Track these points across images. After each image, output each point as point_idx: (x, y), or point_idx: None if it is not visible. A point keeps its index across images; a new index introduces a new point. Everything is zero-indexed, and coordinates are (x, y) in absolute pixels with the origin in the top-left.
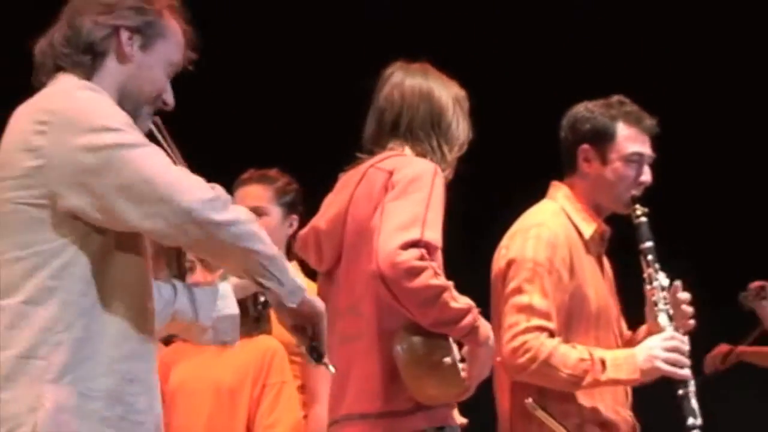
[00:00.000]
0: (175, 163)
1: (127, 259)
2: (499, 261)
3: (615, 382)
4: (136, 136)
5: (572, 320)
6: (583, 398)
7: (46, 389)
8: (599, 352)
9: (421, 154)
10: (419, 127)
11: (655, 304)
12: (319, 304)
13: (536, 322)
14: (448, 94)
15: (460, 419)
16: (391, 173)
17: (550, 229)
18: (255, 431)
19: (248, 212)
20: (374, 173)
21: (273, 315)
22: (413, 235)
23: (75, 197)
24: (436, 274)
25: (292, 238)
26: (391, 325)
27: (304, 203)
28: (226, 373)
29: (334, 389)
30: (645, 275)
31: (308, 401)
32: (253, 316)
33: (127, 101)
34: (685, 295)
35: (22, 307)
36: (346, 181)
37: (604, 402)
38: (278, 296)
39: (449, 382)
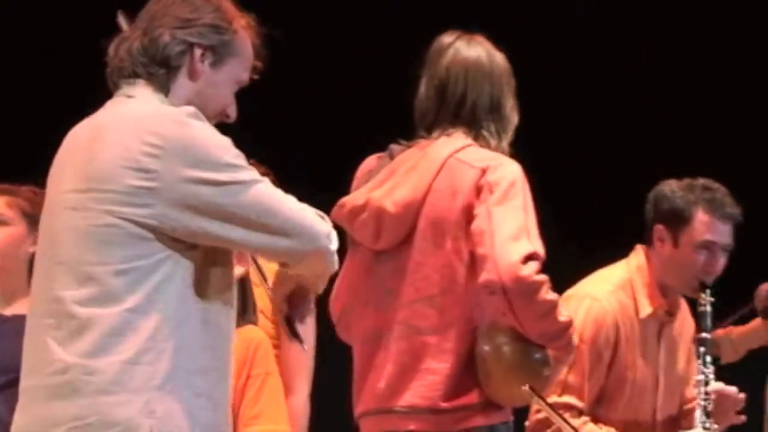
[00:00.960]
0: None
1: (215, 273)
2: None
3: None
4: (251, 171)
5: (605, 397)
6: None
7: (155, 395)
8: None
9: (480, 140)
10: (481, 111)
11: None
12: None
13: (566, 399)
14: (503, 72)
15: None
16: (483, 171)
17: (602, 307)
18: (239, 423)
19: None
20: (458, 166)
21: (259, 307)
22: (529, 246)
23: (186, 221)
24: (549, 288)
25: None
26: (474, 324)
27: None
28: None
29: (388, 379)
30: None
31: (284, 392)
32: (240, 305)
33: None
34: (729, 390)
35: (126, 315)
36: (414, 165)
37: None
38: (318, 288)
39: (538, 390)
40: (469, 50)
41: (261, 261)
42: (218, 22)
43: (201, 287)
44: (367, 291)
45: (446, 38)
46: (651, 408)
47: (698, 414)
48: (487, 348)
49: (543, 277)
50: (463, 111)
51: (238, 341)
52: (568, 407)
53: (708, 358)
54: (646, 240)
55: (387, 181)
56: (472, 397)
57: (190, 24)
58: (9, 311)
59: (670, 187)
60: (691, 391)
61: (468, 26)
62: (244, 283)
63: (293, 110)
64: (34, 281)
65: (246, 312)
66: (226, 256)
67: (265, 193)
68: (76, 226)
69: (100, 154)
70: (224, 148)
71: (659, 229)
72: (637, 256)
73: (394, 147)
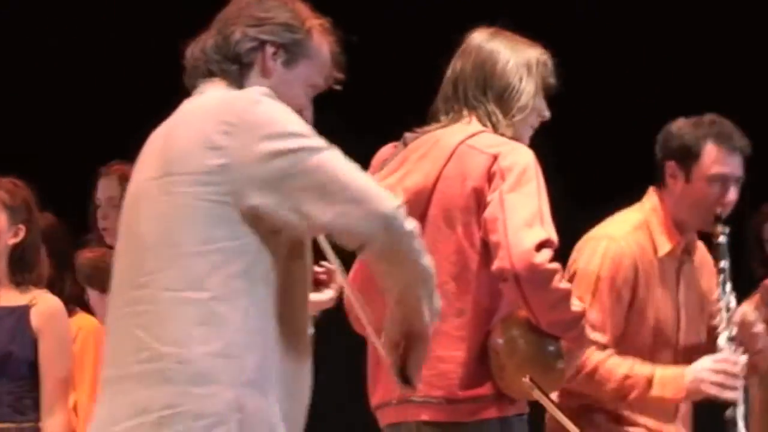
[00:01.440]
0: None
1: (295, 265)
2: (569, 267)
3: (660, 400)
4: (320, 140)
5: (627, 337)
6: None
7: (244, 391)
8: (647, 369)
9: (481, 120)
10: (472, 92)
11: (718, 324)
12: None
13: (590, 336)
14: (511, 56)
15: None
16: (495, 158)
17: (620, 246)
18: None
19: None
20: (469, 152)
21: None
22: (542, 234)
23: (261, 197)
24: (562, 277)
25: None
26: (487, 313)
27: None
28: None
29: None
30: (716, 295)
31: None
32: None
33: None
34: (752, 316)
35: (213, 305)
36: (426, 152)
37: (647, 413)
38: (422, 316)
39: (553, 384)
40: (488, 43)
41: None
42: (291, 22)
43: (283, 280)
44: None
45: (473, 32)
46: (673, 346)
47: (722, 339)
48: (500, 341)
49: (556, 265)
50: (457, 95)
51: None
52: (592, 343)
53: (728, 287)
54: (658, 180)
55: (399, 169)
56: (487, 388)
57: (263, 22)
58: None
59: (678, 124)
60: (713, 323)
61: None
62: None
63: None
64: (117, 271)
65: None
66: (305, 248)
67: (335, 161)
68: (158, 211)
69: (177, 140)
70: (293, 120)
71: (671, 166)
72: (650, 198)
73: (407, 135)
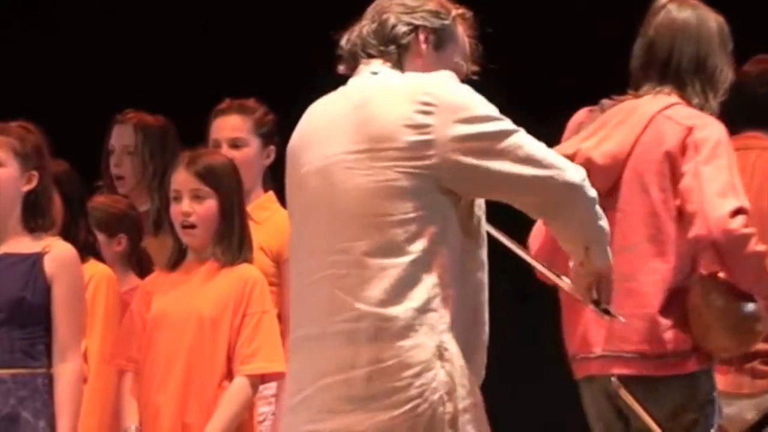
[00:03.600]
0: None
1: (474, 230)
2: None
3: None
4: (511, 123)
5: None
6: None
7: (445, 337)
8: None
9: (685, 99)
10: (685, 71)
11: None
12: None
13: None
14: (713, 34)
15: None
16: (690, 130)
17: None
18: (235, 361)
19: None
20: (665, 122)
21: (255, 242)
22: (736, 202)
23: (458, 172)
24: (757, 240)
25: (269, 169)
26: (681, 274)
27: (280, 133)
28: (207, 304)
29: (592, 325)
30: None
31: (284, 331)
32: (237, 243)
33: None
34: None
35: (412, 268)
36: (623, 119)
37: None
38: (605, 262)
39: (748, 343)
40: (679, 12)
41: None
42: (439, 9)
43: (465, 244)
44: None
45: (659, 1)
46: None
47: None
48: (699, 301)
49: (751, 229)
50: (668, 70)
51: (234, 280)
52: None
53: None
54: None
55: (597, 134)
56: (676, 344)
57: (414, 10)
58: (1, 249)
59: None
60: None
61: None
62: (242, 220)
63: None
64: (309, 237)
65: (242, 250)
66: (481, 218)
67: (526, 139)
68: (359, 183)
69: (375, 118)
70: (485, 103)
71: None
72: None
73: (605, 102)
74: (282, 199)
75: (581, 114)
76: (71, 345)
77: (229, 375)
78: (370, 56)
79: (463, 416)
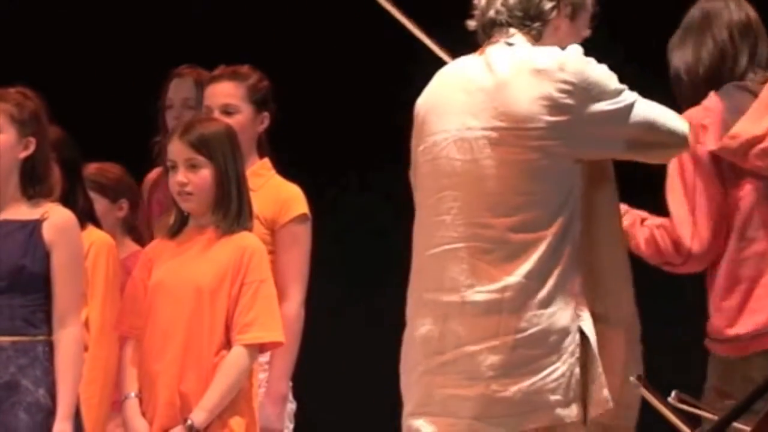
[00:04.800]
0: None
1: (602, 197)
2: None
3: None
4: (632, 92)
5: None
6: None
7: (577, 300)
8: None
9: None
10: None
11: None
12: None
13: None
14: None
15: None
16: None
17: None
18: (232, 330)
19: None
20: None
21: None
22: None
23: (593, 143)
24: None
25: (264, 134)
26: None
27: (276, 100)
28: (206, 273)
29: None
30: None
31: (278, 298)
32: (235, 211)
33: None
34: None
35: (552, 243)
36: None
37: None
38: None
39: None
40: None
41: None
42: None
43: (589, 223)
44: (762, 218)
45: None
46: None
47: None
48: None
49: None
50: None
51: (233, 248)
52: None
53: None
54: None
55: None
56: None
57: None
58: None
59: None
60: None
61: None
62: (240, 187)
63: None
64: (448, 205)
65: (241, 218)
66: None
67: (648, 105)
68: (503, 159)
69: (517, 97)
70: (612, 76)
71: None
72: None
73: (747, 83)
74: (277, 165)
75: (716, 101)
76: (71, 311)
77: (228, 344)
78: (511, 26)
79: (594, 376)
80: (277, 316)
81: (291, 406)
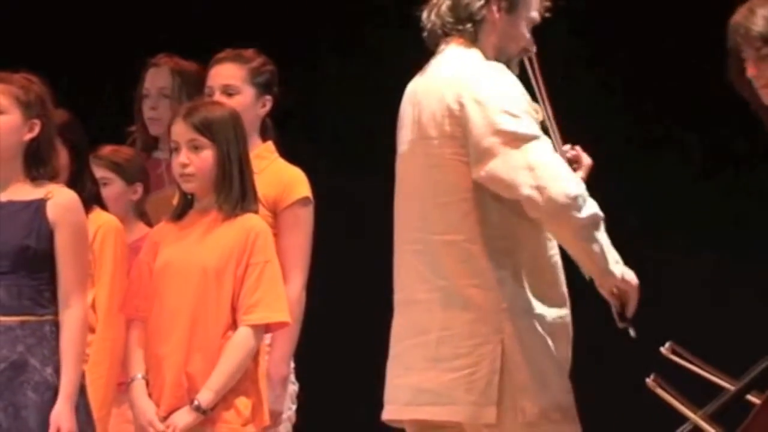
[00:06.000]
0: (544, 102)
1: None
2: None
3: None
4: (530, 125)
5: None
6: None
7: (502, 316)
8: None
9: None
10: None
11: None
12: (632, 278)
13: None
14: None
15: None
16: None
17: None
18: (238, 311)
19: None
20: None
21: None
22: None
23: (483, 164)
24: None
25: (268, 117)
26: None
27: (281, 84)
28: (212, 254)
29: None
30: None
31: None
32: (238, 193)
33: (501, 57)
34: None
35: (467, 245)
36: None
37: None
38: (598, 278)
39: None
40: None
41: None
42: None
43: (515, 226)
44: None
45: None
46: None
47: None
48: None
49: None
50: None
51: (238, 230)
52: None
53: None
54: None
55: None
56: None
57: None
58: (3, 197)
59: None
60: None
61: None
62: (243, 170)
63: None
64: (399, 215)
65: (245, 201)
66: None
67: (539, 149)
68: (421, 167)
69: (425, 108)
70: (514, 101)
71: None
72: None
73: None
74: (281, 147)
75: None
76: (75, 291)
77: (234, 325)
78: (447, 34)
79: (513, 387)
80: (282, 297)
81: (293, 387)
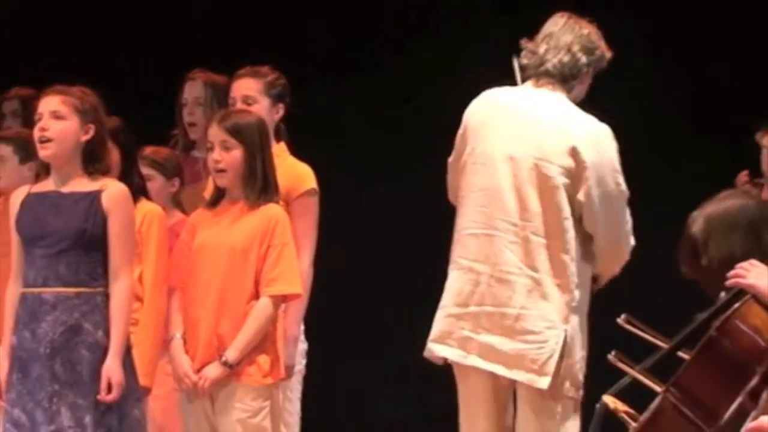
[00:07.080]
0: None
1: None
2: None
3: None
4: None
5: None
6: None
7: (571, 311)
8: None
9: None
10: None
11: None
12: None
13: None
14: None
15: None
16: None
17: None
18: (260, 284)
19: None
20: None
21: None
22: None
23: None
24: None
25: (281, 122)
26: None
27: (293, 95)
28: (239, 237)
29: None
30: None
31: None
32: (261, 186)
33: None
34: None
35: (554, 251)
36: None
37: None
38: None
39: None
40: None
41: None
42: (603, 52)
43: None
44: None
45: None
46: None
47: None
48: None
49: None
50: None
51: (261, 216)
52: None
53: None
54: None
55: None
56: None
57: (593, 52)
58: (65, 189)
59: None
60: None
61: None
62: (266, 167)
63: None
64: (485, 206)
65: (267, 193)
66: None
67: (624, 204)
68: (528, 179)
69: (549, 138)
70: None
71: None
72: None
73: None
74: (292, 148)
75: None
76: (123, 267)
77: (257, 295)
78: (561, 81)
79: (566, 365)
80: (296, 273)
81: (303, 345)
